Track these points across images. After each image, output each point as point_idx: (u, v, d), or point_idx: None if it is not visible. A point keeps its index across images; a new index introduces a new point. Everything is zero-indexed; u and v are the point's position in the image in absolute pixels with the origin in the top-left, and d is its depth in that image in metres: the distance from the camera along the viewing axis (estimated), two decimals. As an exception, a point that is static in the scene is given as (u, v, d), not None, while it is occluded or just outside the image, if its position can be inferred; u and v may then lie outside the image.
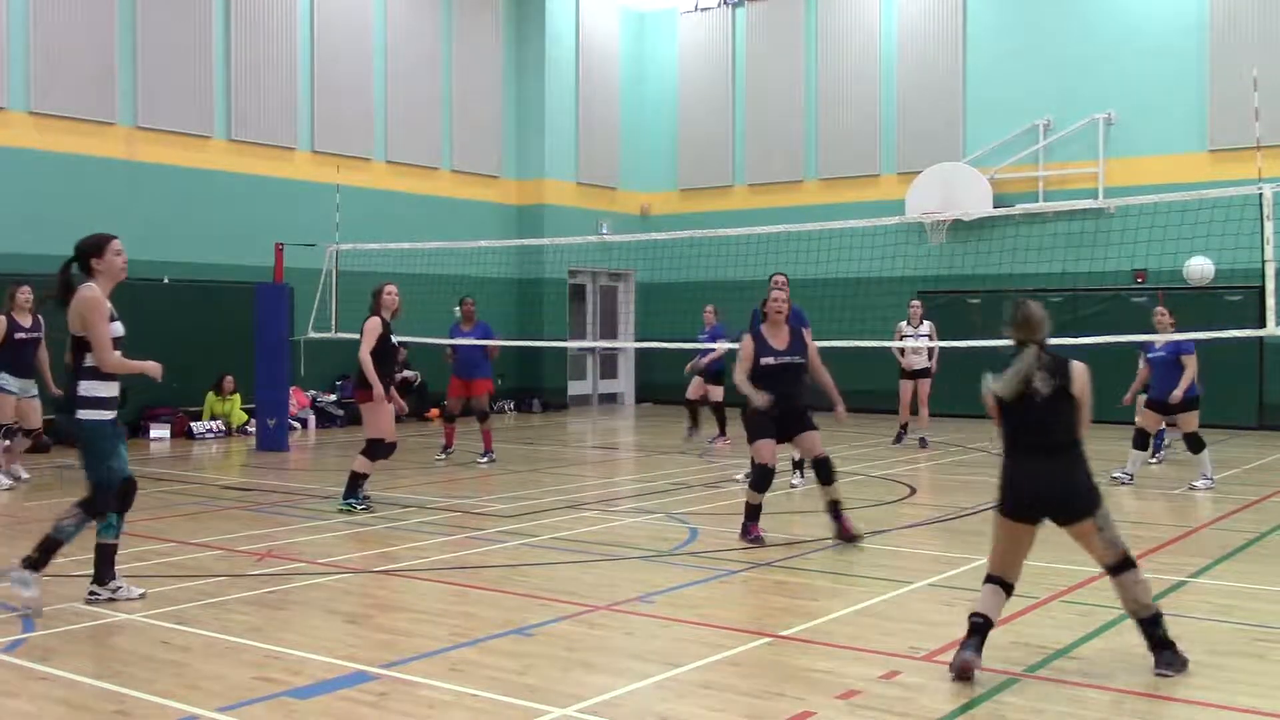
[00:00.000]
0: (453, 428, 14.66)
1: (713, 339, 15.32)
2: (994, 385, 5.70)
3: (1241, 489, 11.82)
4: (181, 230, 17.43)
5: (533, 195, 23.02)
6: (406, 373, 19.99)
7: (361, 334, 10.70)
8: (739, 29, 23.88)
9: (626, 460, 15.28)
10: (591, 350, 23.85)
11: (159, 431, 16.43)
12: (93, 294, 6.59)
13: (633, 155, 24.64)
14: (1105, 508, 5.55)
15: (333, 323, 16.37)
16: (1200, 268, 13.57)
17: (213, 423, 17.10)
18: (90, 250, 6.72)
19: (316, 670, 5.52)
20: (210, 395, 17.23)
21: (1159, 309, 12.38)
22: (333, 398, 19.32)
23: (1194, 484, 11.92)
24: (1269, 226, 10.92)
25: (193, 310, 16.94)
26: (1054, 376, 5.65)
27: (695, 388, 15.56)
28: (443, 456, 14.29)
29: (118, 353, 6.65)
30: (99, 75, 16.79)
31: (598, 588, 7.32)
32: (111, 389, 6.68)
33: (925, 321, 15.72)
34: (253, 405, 15.99)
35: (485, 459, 13.94)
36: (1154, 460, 13.86)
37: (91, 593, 6.83)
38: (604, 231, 22.45)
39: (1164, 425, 13.30)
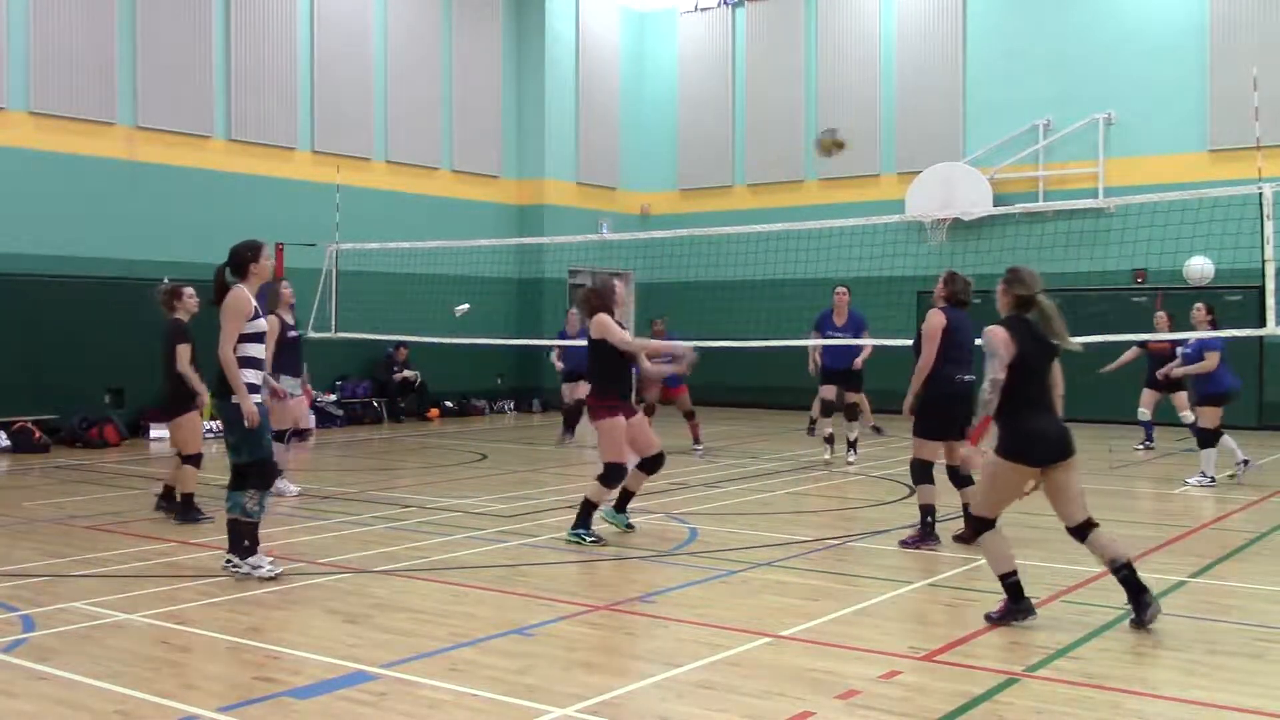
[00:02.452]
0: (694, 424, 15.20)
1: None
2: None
3: (1241, 489, 11.82)
4: (181, 230, 17.43)
5: (533, 195, 23.02)
6: (406, 372, 20.01)
7: (606, 333, 8.72)
8: (739, 29, 23.88)
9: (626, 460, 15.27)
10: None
11: (159, 432, 16.42)
12: (244, 295, 7.40)
13: (633, 155, 24.64)
14: None
15: (333, 323, 16.38)
16: (1200, 268, 13.59)
17: (213, 423, 17.08)
18: (250, 255, 7.48)
19: (316, 670, 5.52)
20: (210, 395, 17.21)
21: (1198, 305, 12.20)
22: (333, 398, 19.32)
23: (1188, 480, 11.99)
24: (1269, 226, 10.93)
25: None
26: None
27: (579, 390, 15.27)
28: (699, 449, 14.94)
29: (249, 352, 7.45)
30: (99, 75, 16.79)
31: (598, 588, 7.33)
32: (257, 376, 7.49)
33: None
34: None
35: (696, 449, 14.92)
36: (1139, 448, 14.02)
37: (228, 560, 7.49)
38: (604, 231, 22.45)
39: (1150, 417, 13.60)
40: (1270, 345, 17.38)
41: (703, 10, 24.24)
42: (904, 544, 8.57)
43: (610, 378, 8.72)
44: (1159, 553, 8.43)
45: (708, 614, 6.62)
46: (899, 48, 22.00)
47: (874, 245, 17.05)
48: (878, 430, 16.05)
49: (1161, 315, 14.00)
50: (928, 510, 8.62)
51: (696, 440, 15.01)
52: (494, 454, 15.04)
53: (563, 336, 16.75)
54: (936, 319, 8.57)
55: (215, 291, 7.49)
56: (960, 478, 8.59)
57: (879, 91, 22.22)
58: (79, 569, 7.83)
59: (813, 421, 15.30)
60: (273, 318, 10.89)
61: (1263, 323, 11.39)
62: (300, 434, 11.28)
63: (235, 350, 7.37)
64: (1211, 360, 11.73)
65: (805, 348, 14.23)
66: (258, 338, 7.51)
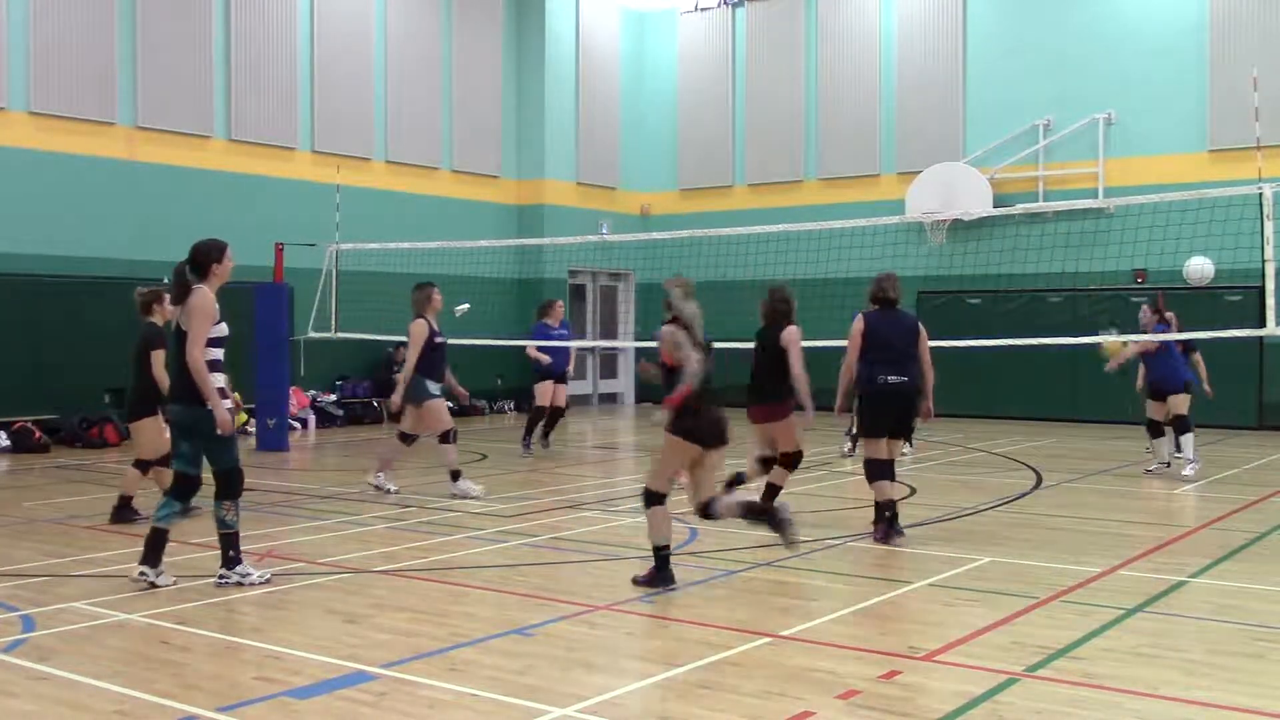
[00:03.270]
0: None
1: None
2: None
3: (1241, 489, 11.82)
4: (181, 230, 17.32)
5: (533, 195, 23.02)
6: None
7: (795, 349, 8.98)
8: (739, 29, 23.88)
9: (626, 460, 15.27)
10: (591, 350, 23.85)
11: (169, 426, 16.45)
12: (211, 296, 7.13)
13: (633, 155, 24.64)
14: None
15: (333, 323, 16.37)
16: (1200, 268, 13.58)
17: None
18: (214, 256, 7.22)
19: (316, 670, 5.52)
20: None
21: (1144, 308, 12.84)
22: (332, 398, 19.32)
23: (1184, 472, 12.25)
24: (1269, 226, 10.93)
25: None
26: None
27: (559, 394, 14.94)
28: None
29: (215, 355, 7.16)
30: (99, 75, 16.79)
31: (598, 588, 7.32)
32: (223, 380, 7.16)
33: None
34: (253, 405, 15.99)
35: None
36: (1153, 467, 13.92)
37: (141, 573, 7.17)
38: (604, 231, 22.45)
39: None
40: (1270, 345, 17.38)
41: (703, 10, 24.25)
42: (876, 540, 8.76)
43: (785, 380, 8.98)
44: (1159, 553, 8.43)
45: (708, 614, 6.62)
46: (899, 48, 22.01)
47: (874, 245, 17.03)
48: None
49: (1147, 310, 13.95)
50: (884, 506, 8.84)
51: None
52: (494, 454, 15.03)
53: (542, 333, 15.05)
54: (855, 324, 8.92)
55: (176, 291, 7.19)
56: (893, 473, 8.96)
57: (879, 91, 22.22)
58: (79, 569, 7.83)
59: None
60: (421, 322, 11.06)
61: (1263, 323, 11.39)
62: (446, 435, 11.25)
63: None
64: (1153, 347, 12.18)
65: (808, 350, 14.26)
66: (221, 341, 7.21)
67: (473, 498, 10.89)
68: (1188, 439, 12.39)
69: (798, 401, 9.00)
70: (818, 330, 14.70)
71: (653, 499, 7.34)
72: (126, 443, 15.76)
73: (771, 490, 9.35)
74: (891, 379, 8.71)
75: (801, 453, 9.32)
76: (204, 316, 7.01)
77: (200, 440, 7.14)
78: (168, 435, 9.47)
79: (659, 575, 7.26)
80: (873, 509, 9.05)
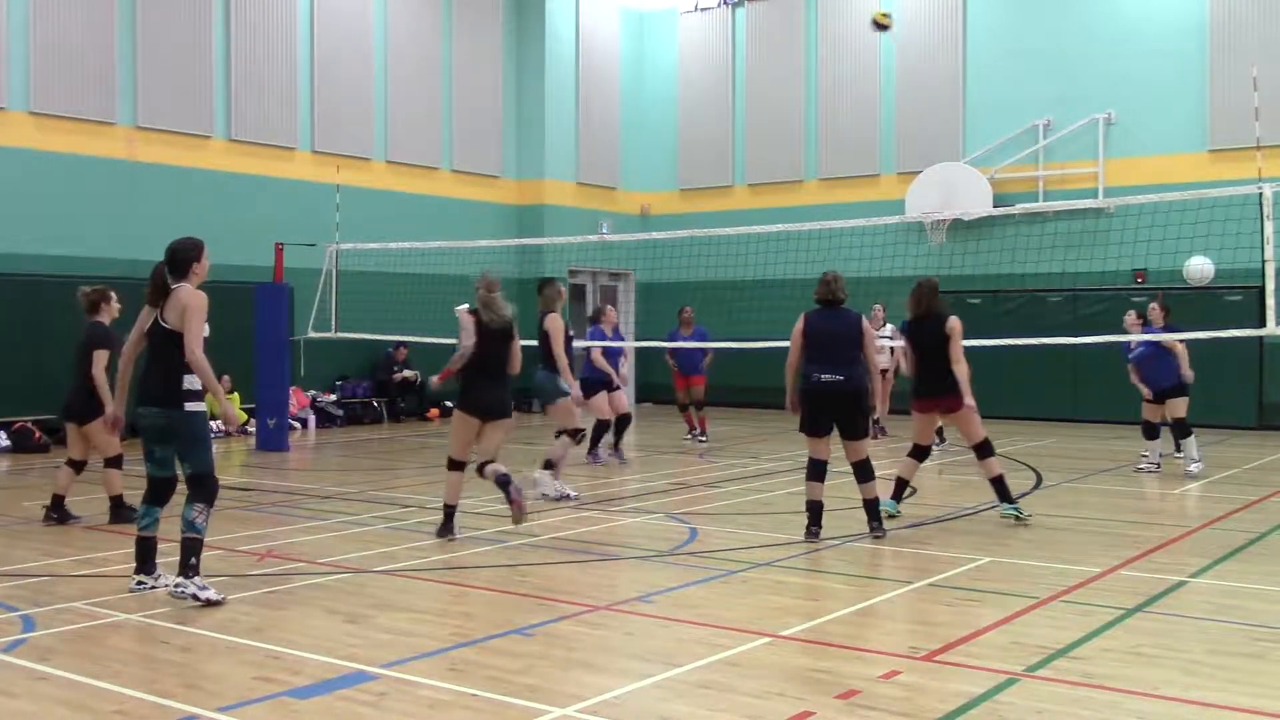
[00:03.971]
0: (689, 414, 16.50)
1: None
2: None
3: (1241, 489, 11.82)
4: (181, 230, 17.14)
5: (533, 195, 23.01)
6: (406, 372, 20.00)
7: (960, 339, 9.52)
8: (739, 29, 23.88)
9: (626, 461, 15.27)
10: (589, 350, 23.79)
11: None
12: (202, 295, 6.91)
13: (633, 155, 24.64)
14: None
15: (333, 322, 16.38)
16: (1200, 268, 13.58)
17: (212, 422, 17.04)
18: (194, 255, 7.02)
19: (316, 670, 5.52)
20: (209, 395, 17.20)
21: (1152, 305, 12.70)
22: (332, 397, 19.31)
23: (1188, 469, 12.25)
24: (1269, 226, 10.93)
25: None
26: None
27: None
28: (689, 438, 16.29)
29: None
30: (99, 75, 16.79)
31: (598, 588, 7.33)
32: (196, 382, 6.94)
33: (887, 324, 16.09)
34: (253, 405, 15.99)
35: (703, 439, 16.14)
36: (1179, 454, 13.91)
37: (140, 583, 7.05)
38: (604, 231, 22.45)
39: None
40: (1270, 345, 17.38)
41: (703, 10, 24.24)
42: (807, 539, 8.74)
43: (950, 370, 9.42)
44: (1159, 553, 8.43)
45: (708, 614, 6.62)
46: (899, 47, 22.00)
47: (874, 245, 17.06)
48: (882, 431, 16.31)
49: (1143, 311, 13.85)
50: (809, 506, 8.78)
51: (703, 431, 16.32)
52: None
53: (599, 338, 14.32)
54: (797, 324, 8.92)
55: (155, 291, 6.90)
56: (863, 473, 8.82)
57: (879, 91, 22.22)
58: (79, 569, 7.83)
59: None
60: (555, 316, 11.00)
61: (1263, 323, 11.39)
62: (575, 433, 11.15)
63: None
64: (1182, 346, 12.03)
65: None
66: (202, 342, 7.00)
67: (547, 496, 10.74)
68: (1189, 442, 12.35)
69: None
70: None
71: (451, 465, 8.85)
72: (127, 443, 15.76)
73: (994, 483, 9.49)
74: (824, 377, 8.65)
75: (988, 440, 9.50)
76: (201, 314, 6.83)
77: (176, 443, 6.88)
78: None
79: (443, 526, 8.78)
80: (864, 507, 8.98)
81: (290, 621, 6.46)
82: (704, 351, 16.19)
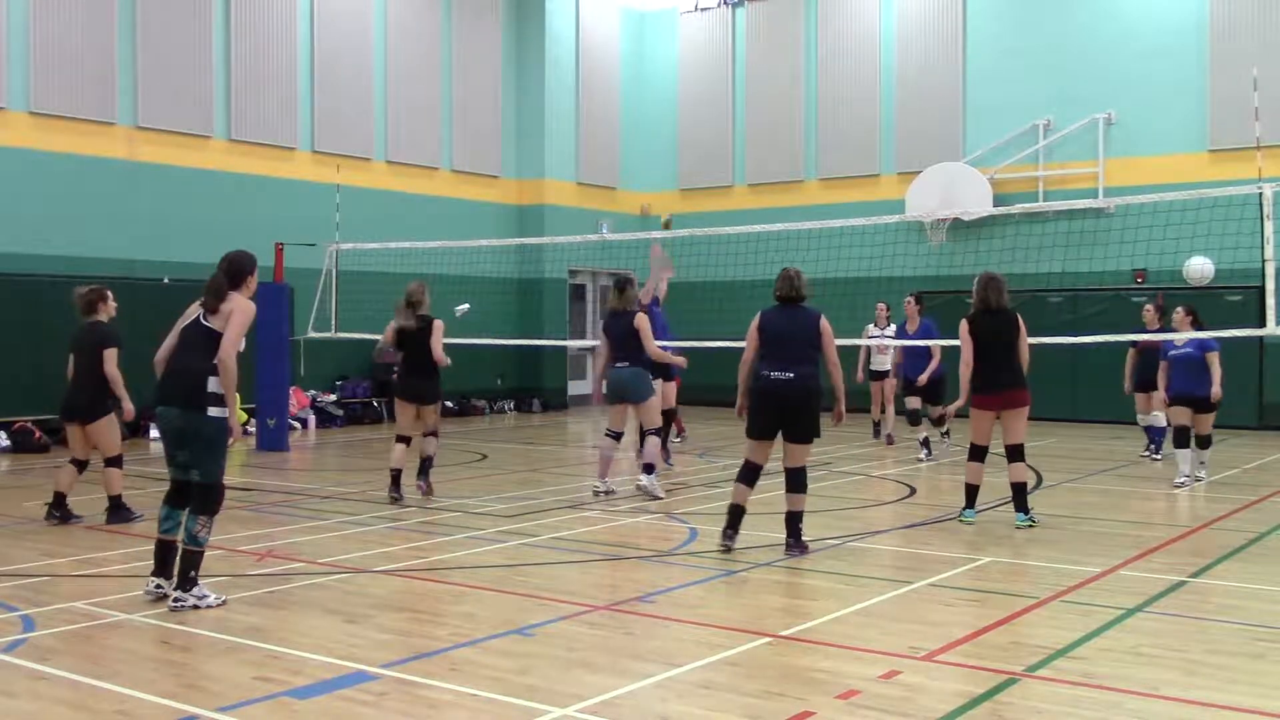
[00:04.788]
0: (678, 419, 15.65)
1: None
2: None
3: (1241, 489, 11.82)
4: (181, 230, 17.44)
5: (533, 195, 23.02)
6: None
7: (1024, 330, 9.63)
8: (739, 29, 23.88)
9: (626, 460, 15.28)
10: (591, 350, 23.82)
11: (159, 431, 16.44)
12: (253, 305, 7.01)
13: (633, 155, 24.64)
14: None
15: (333, 323, 16.37)
16: (1200, 268, 13.57)
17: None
18: (250, 267, 7.09)
19: (316, 670, 5.52)
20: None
21: (1178, 309, 12.04)
22: (332, 397, 19.31)
23: (1198, 476, 11.89)
24: (1269, 226, 10.92)
25: (193, 310, 16.92)
26: None
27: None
28: (677, 440, 15.51)
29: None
30: (99, 75, 16.79)
31: (598, 588, 7.33)
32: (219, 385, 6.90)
33: (891, 324, 15.83)
34: (253, 405, 15.98)
35: (679, 439, 15.75)
36: (1158, 456, 13.84)
37: (157, 586, 6.88)
38: (604, 231, 22.44)
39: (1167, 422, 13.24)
40: (1270, 345, 17.38)
41: (703, 10, 24.25)
42: (720, 544, 8.30)
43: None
44: (1159, 553, 8.43)
45: (708, 614, 6.62)
46: (899, 48, 22.01)
47: (874, 245, 17.05)
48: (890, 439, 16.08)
49: (1150, 310, 13.80)
50: (730, 509, 8.35)
51: (680, 431, 15.95)
52: (494, 454, 15.04)
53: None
54: (753, 321, 8.55)
55: (214, 295, 6.90)
56: (796, 482, 8.27)
57: (879, 91, 22.22)
58: (79, 569, 7.83)
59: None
60: (644, 315, 11.14)
61: (1263, 323, 11.38)
62: (659, 431, 11.31)
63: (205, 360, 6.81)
64: (1216, 363, 11.43)
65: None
66: None
67: (658, 498, 10.75)
68: (1187, 454, 11.65)
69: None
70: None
71: (398, 439, 10.89)
72: (127, 443, 15.75)
73: (1016, 490, 9.44)
74: (774, 375, 8.23)
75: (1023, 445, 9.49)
76: (248, 321, 6.87)
77: (193, 447, 6.79)
78: (118, 432, 9.55)
79: (390, 488, 10.71)
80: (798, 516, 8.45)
81: (290, 621, 6.46)
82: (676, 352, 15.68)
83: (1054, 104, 20.42)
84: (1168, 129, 19.48)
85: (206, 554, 6.92)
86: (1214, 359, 11.45)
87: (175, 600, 6.65)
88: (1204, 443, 11.80)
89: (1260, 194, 11.19)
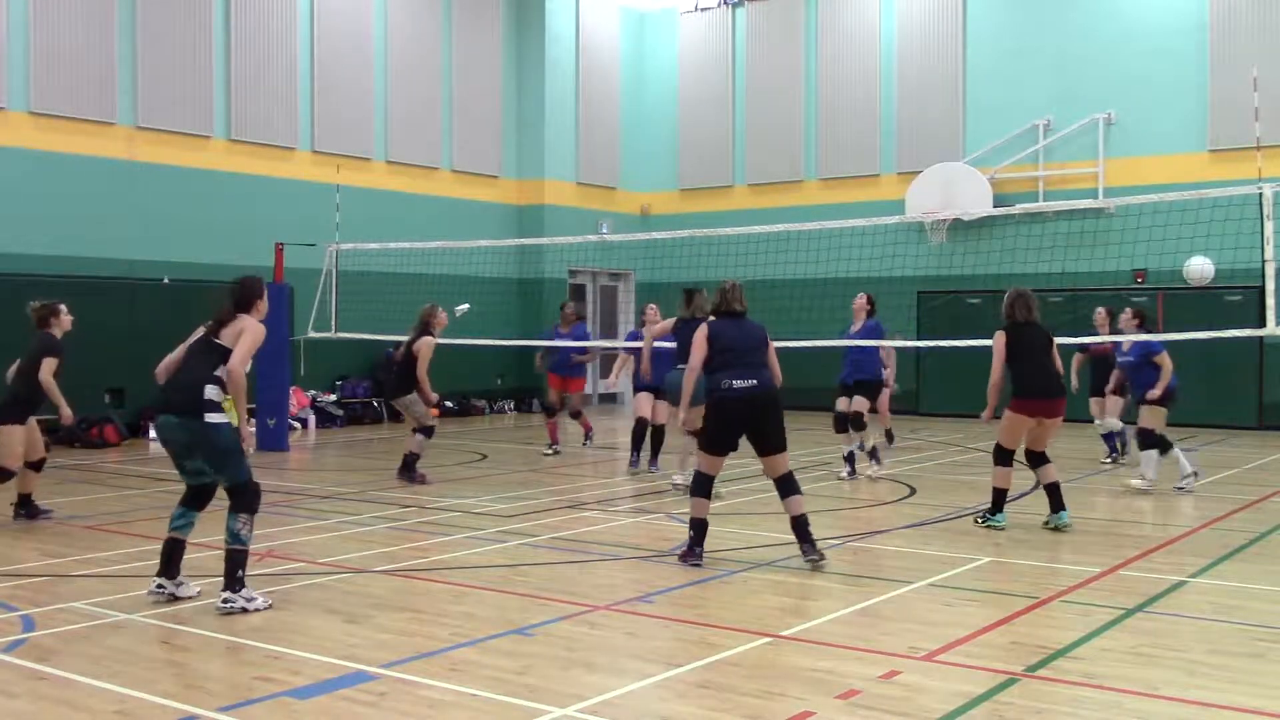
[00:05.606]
0: (554, 423, 15.29)
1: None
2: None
3: (1241, 489, 11.82)
4: (181, 230, 17.43)
5: (533, 195, 23.02)
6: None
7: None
8: (739, 29, 23.89)
9: (626, 460, 15.27)
10: (588, 350, 23.79)
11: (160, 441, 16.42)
12: (263, 328, 7.10)
13: (633, 155, 24.64)
14: None
15: (333, 323, 16.37)
16: (1200, 268, 13.57)
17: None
18: (260, 291, 7.18)
19: (316, 670, 5.52)
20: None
21: (1125, 310, 12.22)
22: (333, 398, 19.31)
23: (1131, 481, 11.62)
24: (1269, 226, 10.92)
25: (193, 310, 16.84)
26: None
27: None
28: (550, 452, 14.90)
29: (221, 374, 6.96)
30: (99, 75, 16.79)
31: (598, 588, 7.32)
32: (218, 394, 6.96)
33: (896, 337, 15.73)
34: (253, 405, 15.98)
35: (588, 442, 15.70)
36: (1124, 460, 13.78)
37: (160, 586, 6.86)
38: (604, 231, 22.45)
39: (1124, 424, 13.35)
40: (1270, 345, 17.38)
41: (703, 10, 24.25)
42: (680, 558, 8.04)
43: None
44: (1159, 552, 8.44)
45: (708, 614, 6.63)
46: (899, 48, 22.01)
47: (874, 245, 17.03)
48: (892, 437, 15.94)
49: (1101, 313, 13.76)
50: (693, 524, 8.04)
51: (588, 433, 15.85)
52: (494, 454, 15.05)
53: (637, 338, 13.89)
54: (699, 330, 8.24)
55: (221, 321, 6.98)
56: (790, 486, 7.98)
57: (879, 91, 22.23)
58: (79, 569, 7.83)
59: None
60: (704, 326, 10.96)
61: (1263, 323, 11.38)
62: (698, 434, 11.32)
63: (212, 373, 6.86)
64: (1167, 363, 11.37)
65: (798, 349, 13.64)
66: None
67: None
68: (1151, 455, 11.44)
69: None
70: (817, 330, 14.77)
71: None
72: (127, 443, 15.80)
73: (1052, 490, 9.56)
74: (738, 384, 7.90)
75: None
76: (258, 340, 6.97)
77: (203, 457, 6.79)
78: (20, 445, 9.47)
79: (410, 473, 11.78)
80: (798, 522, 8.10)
81: (290, 621, 6.45)
82: (583, 351, 15.00)
83: (1054, 104, 20.43)
84: (1168, 129, 19.48)
85: (206, 552, 6.91)
86: (1163, 360, 11.38)
87: (225, 601, 6.64)
88: (1153, 442, 11.39)
89: (1260, 194, 11.19)
